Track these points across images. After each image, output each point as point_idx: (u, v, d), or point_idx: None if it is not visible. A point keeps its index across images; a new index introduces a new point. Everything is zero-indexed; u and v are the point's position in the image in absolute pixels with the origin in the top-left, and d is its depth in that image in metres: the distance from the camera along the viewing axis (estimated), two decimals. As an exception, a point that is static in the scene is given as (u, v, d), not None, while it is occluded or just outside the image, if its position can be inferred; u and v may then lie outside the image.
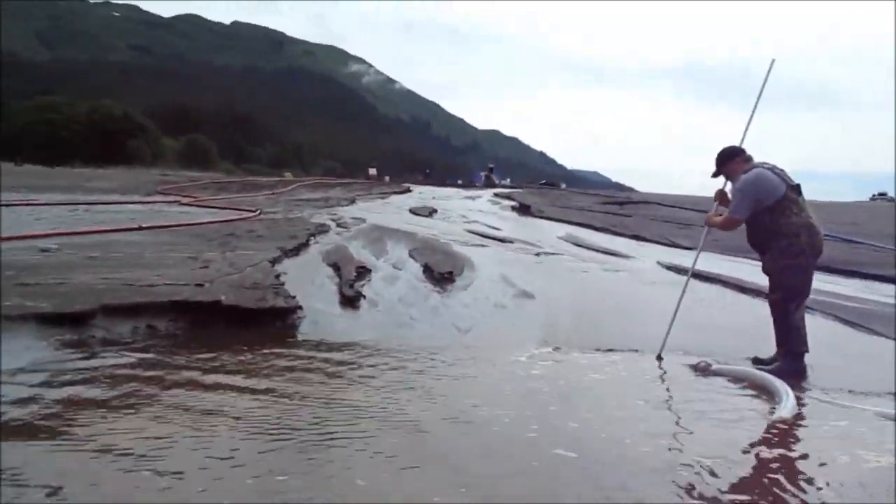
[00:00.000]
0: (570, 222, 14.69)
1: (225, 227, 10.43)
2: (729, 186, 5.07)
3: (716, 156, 5.04)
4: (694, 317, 5.78)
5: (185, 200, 16.05)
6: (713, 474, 2.77)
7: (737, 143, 5.01)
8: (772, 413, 3.60)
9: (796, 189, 4.71)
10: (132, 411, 3.36)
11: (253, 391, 3.77)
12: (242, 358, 4.52)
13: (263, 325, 5.35)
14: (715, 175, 5.08)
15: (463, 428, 3.25)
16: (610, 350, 5.02)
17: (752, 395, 4.07)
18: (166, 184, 24.85)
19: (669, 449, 3.11)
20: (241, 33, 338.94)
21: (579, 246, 10.77)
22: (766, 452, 3.08)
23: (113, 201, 15.26)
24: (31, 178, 25.44)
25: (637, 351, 5.04)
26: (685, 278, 7.65)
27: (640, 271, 8.35)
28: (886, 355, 5.22)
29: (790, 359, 4.58)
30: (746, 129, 5.10)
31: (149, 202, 15.67)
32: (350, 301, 6.14)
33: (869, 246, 12.43)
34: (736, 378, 4.35)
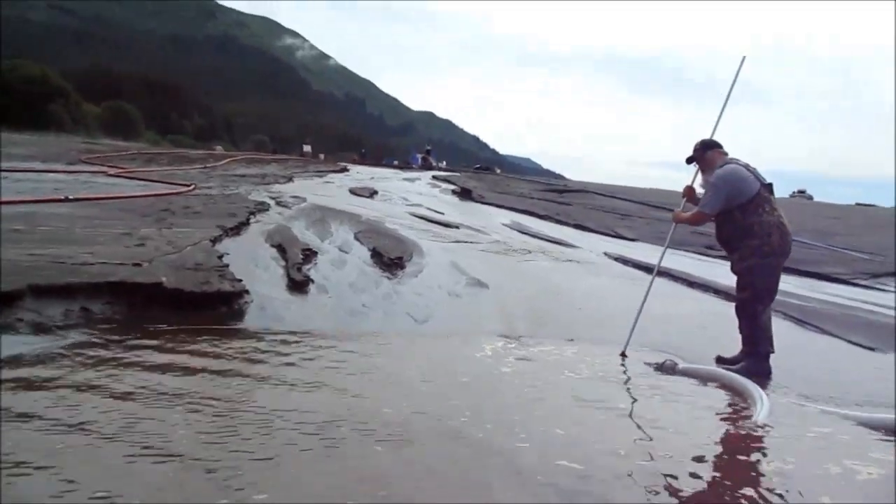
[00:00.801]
0: (513, 209, 14.65)
1: (158, 201, 9.90)
2: (699, 181, 5.02)
3: (695, 144, 4.97)
4: (653, 312, 5.74)
5: (112, 171, 15.25)
6: (695, 476, 2.68)
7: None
8: (746, 418, 3.53)
9: (769, 188, 4.68)
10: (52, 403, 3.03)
11: (192, 384, 3.49)
12: (184, 347, 4.21)
13: (207, 309, 5.02)
14: (689, 161, 5.01)
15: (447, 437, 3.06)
16: (570, 340, 4.92)
17: (722, 398, 4.02)
18: (91, 153, 23.63)
19: (648, 455, 3.00)
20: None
21: (525, 234, 10.70)
22: (747, 459, 3.01)
23: (34, 169, 14.35)
24: (-60, 141, 23.80)
25: (598, 343, 4.94)
26: (636, 271, 7.72)
27: (590, 262, 8.33)
28: (847, 359, 5.30)
29: (756, 359, 4.57)
30: (717, 123, 5.06)
31: (73, 171, 14.80)
32: (298, 286, 5.87)
33: (802, 243, 12.80)
34: (703, 379, 4.29)
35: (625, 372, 4.38)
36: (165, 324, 4.62)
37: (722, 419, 3.61)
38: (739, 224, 4.62)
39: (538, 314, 5.63)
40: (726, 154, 4.85)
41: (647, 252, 9.94)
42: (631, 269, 8.15)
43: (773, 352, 4.63)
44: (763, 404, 3.55)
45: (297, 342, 4.43)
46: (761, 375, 4.41)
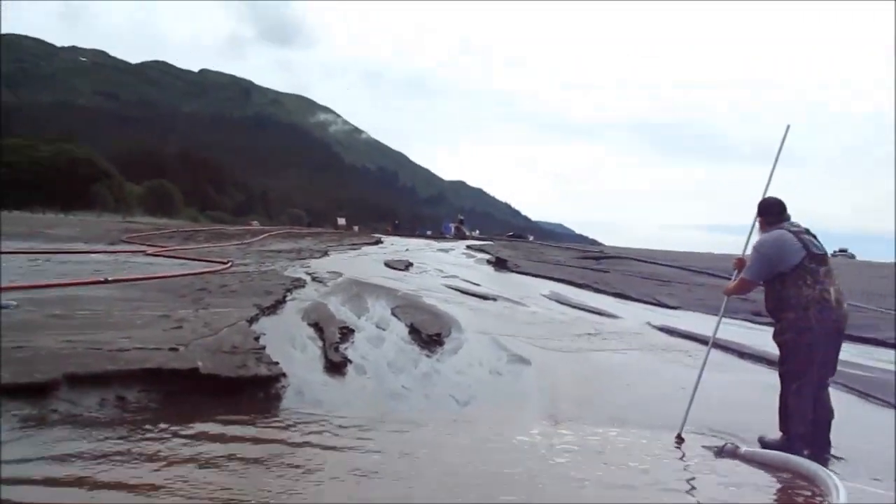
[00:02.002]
0: (550, 278, 14.45)
1: (196, 280, 9.94)
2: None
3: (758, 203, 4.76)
4: (705, 387, 5.46)
5: (150, 250, 15.47)
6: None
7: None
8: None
9: (818, 258, 4.36)
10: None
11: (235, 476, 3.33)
12: (223, 435, 4.07)
13: (244, 395, 4.90)
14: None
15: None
16: (621, 426, 4.66)
17: (791, 485, 3.72)
18: (131, 231, 24.15)
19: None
20: (210, 81, 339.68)
21: (564, 304, 10.48)
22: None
23: (76, 251, 14.62)
24: (-12, 224, 24.52)
25: (652, 428, 4.67)
26: (683, 341, 7.43)
27: (634, 334, 8.06)
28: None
29: (788, 441, 4.25)
30: (767, 186, 4.85)
31: (113, 251, 15.05)
32: (336, 367, 5.72)
33: (853, 307, 12.35)
34: (768, 464, 3.99)
35: (682, 458, 4.11)
36: (201, 411, 4.49)
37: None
38: (778, 294, 4.37)
39: (584, 393, 5.38)
40: (781, 220, 4.58)
41: (691, 321, 9.64)
42: (677, 340, 7.87)
43: (808, 431, 4.28)
44: (839, 491, 3.25)
45: (336, 430, 4.26)
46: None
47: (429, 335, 7.04)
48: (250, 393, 4.93)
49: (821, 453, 4.30)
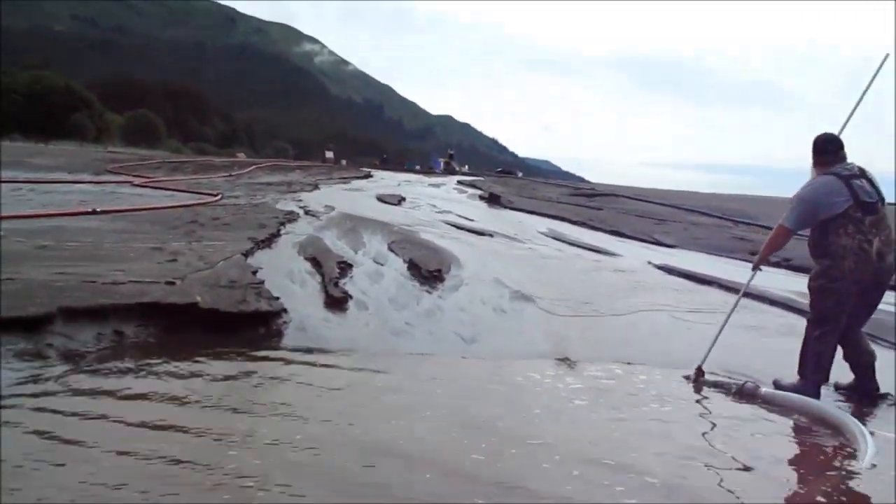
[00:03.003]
0: (544, 214, 14.31)
1: (186, 212, 9.70)
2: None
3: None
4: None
5: (138, 181, 15.12)
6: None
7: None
8: (849, 457, 3.17)
9: (866, 206, 4.11)
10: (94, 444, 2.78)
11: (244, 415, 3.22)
12: (224, 371, 3.96)
13: (245, 330, 4.77)
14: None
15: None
16: (628, 364, 4.58)
17: (814, 432, 3.65)
18: (116, 162, 23.63)
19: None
20: (192, 8, 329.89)
21: (561, 241, 10.37)
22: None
23: (60, 180, 14.26)
24: (-33, 152, 23.90)
25: (661, 366, 4.60)
26: (684, 281, 7.36)
27: (634, 271, 7.98)
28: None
29: (802, 385, 4.19)
30: (846, 123, 4.55)
31: (99, 182, 14.69)
32: (337, 302, 5.59)
33: None
34: (789, 408, 3.91)
35: (701, 401, 4.03)
36: (202, 347, 4.36)
37: (823, 460, 3.24)
38: (818, 240, 4.23)
39: (589, 332, 5.30)
40: (834, 161, 4.29)
41: (690, 259, 9.58)
42: (678, 279, 7.79)
43: (825, 381, 4.23)
44: (868, 444, 3.16)
45: (343, 366, 4.16)
46: None
47: (429, 271, 6.90)
48: (251, 328, 4.81)
49: (866, 397, 4.26)
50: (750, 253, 10.27)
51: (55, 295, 4.49)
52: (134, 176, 16.98)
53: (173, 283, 5.13)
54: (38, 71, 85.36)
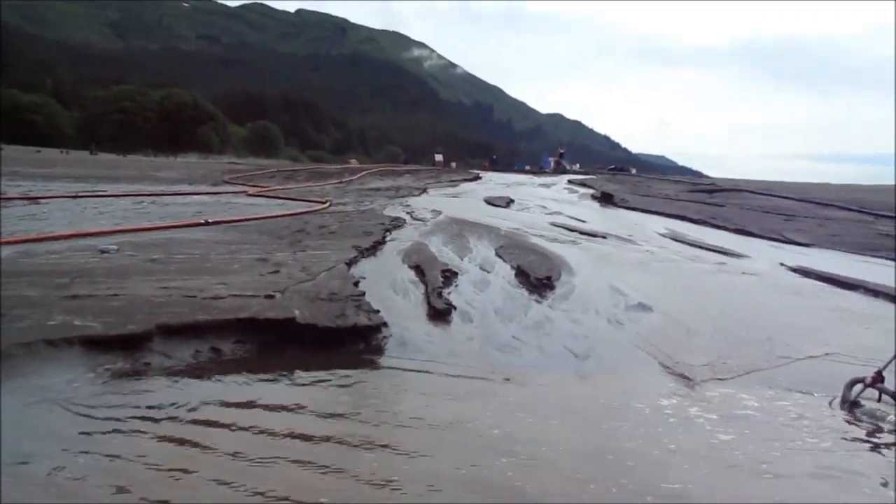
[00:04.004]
0: (662, 213, 13.54)
1: (295, 220, 9.74)
2: None
3: None
4: (863, 343, 4.72)
5: (251, 191, 15.52)
6: None
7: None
8: None
9: None
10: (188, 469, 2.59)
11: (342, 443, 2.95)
12: (319, 393, 3.74)
13: (343, 346, 4.55)
14: None
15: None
16: (770, 388, 3.99)
17: None
18: (234, 172, 24.55)
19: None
20: (307, 21, 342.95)
21: (680, 242, 9.68)
22: None
23: (179, 192, 14.83)
24: (102, 169, 25.54)
25: (806, 392, 3.98)
26: (824, 284, 6.59)
27: (765, 275, 7.25)
28: None
29: None
30: None
31: (215, 193, 15.18)
32: (440, 314, 5.30)
33: None
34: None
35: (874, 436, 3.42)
36: (297, 364, 4.16)
37: None
38: None
39: (719, 347, 4.73)
40: None
41: (828, 260, 8.68)
42: (816, 283, 7.01)
43: None
44: None
45: (442, 388, 3.84)
46: None
47: (538, 278, 6.50)
48: (350, 344, 4.58)
49: None
50: (897, 251, 9.24)
51: (156, 311, 4.43)
52: (249, 185, 17.47)
53: (273, 297, 5.00)
54: (168, 88, 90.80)
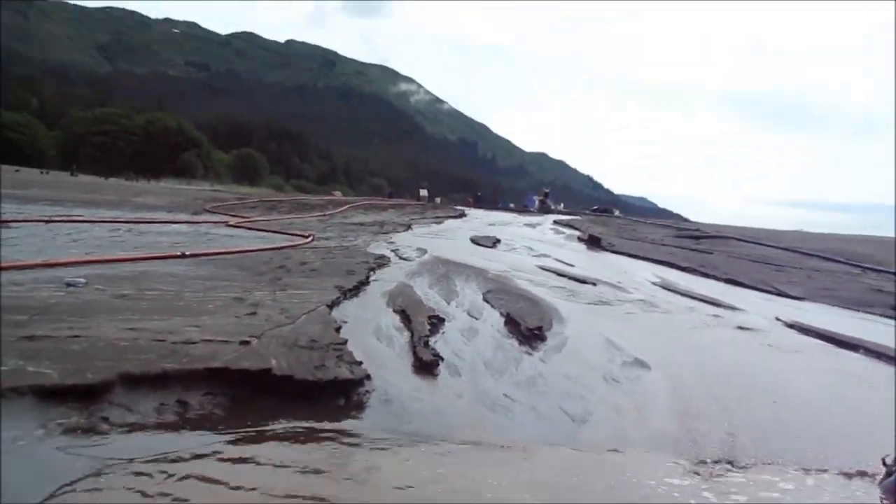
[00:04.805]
0: (649, 259, 13.33)
1: (275, 256, 9.40)
2: None
3: None
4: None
5: (233, 221, 15.16)
6: None
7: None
8: None
9: None
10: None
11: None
12: (291, 457, 3.38)
13: (322, 400, 4.20)
14: None
15: None
16: (785, 464, 3.68)
17: None
18: (216, 200, 24.16)
19: None
20: (296, 52, 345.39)
21: (672, 291, 9.44)
22: None
23: (158, 220, 14.43)
24: (80, 192, 25.04)
25: (823, 468, 3.68)
26: (824, 343, 6.37)
27: (762, 331, 7.00)
28: None
29: None
30: None
31: (195, 222, 14.80)
32: (426, 367, 4.97)
33: None
34: None
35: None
36: (271, 421, 3.81)
37: None
38: None
39: (724, 413, 4.43)
40: None
41: (823, 315, 8.47)
42: (815, 341, 6.77)
43: None
44: None
45: (427, 457, 3.50)
46: None
47: (528, 328, 6.21)
48: (329, 398, 4.22)
49: None
50: (892, 307, 9.06)
51: (119, 357, 4.07)
52: (230, 216, 17.11)
53: (248, 343, 4.66)
54: (153, 113, 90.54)
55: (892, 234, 30.79)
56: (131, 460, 3.16)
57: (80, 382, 3.68)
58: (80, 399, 3.62)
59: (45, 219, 12.20)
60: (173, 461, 3.21)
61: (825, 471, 3.55)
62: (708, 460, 3.60)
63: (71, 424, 3.45)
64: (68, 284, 6.10)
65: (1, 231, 9.51)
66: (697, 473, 3.37)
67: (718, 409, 4.46)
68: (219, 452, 3.36)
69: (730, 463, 3.57)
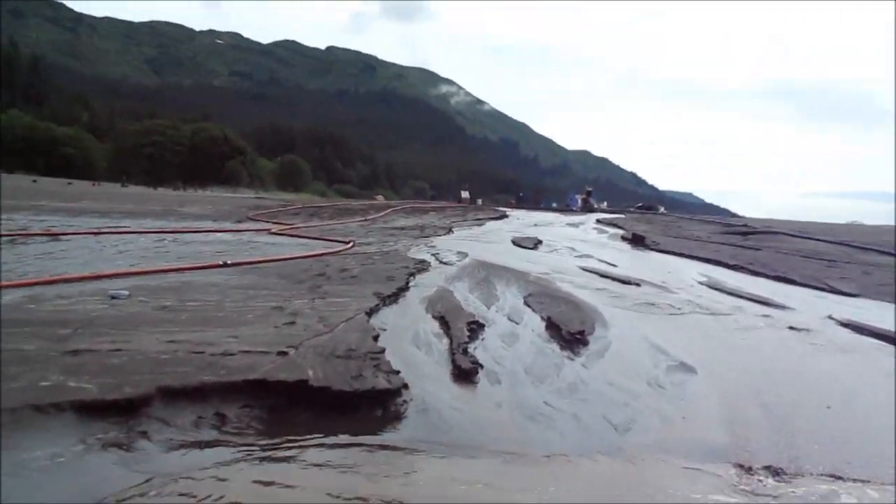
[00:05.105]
0: (695, 257, 13.03)
1: (315, 263, 9.44)
2: None
3: None
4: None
5: (275, 229, 15.30)
6: None
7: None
8: None
9: None
10: None
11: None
12: (327, 470, 3.34)
13: (359, 411, 4.15)
14: None
15: None
16: (847, 478, 3.49)
17: None
18: (259, 208, 24.46)
19: None
20: (336, 58, 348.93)
21: (719, 290, 9.18)
22: None
23: (202, 229, 14.65)
24: (129, 203, 25.61)
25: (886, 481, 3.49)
26: (880, 342, 6.12)
27: (815, 331, 6.74)
28: None
29: None
30: None
31: (239, 230, 14.99)
32: (465, 375, 4.89)
33: None
34: None
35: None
36: (307, 434, 3.78)
37: None
38: None
39: (777, 420, 4.24)
40: None
41: (879, 313, 8.14)
42: (872, 341, 6.49)
43: None
44: None
45: (464, 472, 3.42)
46: None
47: (570, 332, 6.08)
48: (366, 409, 4.18)
49: None
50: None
51: (158, 370, 4.10)
52: (273, 223, 17.29)
53: (286, 353, 4.65)
54: (199, 123, 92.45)
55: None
56: (170, 475, 3.15)
57: (119, 397, 3.70)
58: (119, 413, 3.64)
59: (94, 231, 12.47)
60: (211, 476, 3.20)
61: (889, 484, 3.36)
62: (758, 472, 3.44)
63: (110, 440, 3.47)
64: (112, 297, 6.19)
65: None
66: (747, 488, 3.22)
67: (769, 415, 4.28)
68: (255, 466, 3.34)
69: (782, 474, 3.40)
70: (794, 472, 3.45)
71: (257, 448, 3.58)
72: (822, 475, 3.41)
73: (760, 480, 3.33)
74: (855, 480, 3.37)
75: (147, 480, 3.10)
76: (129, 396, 3.73)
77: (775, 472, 3.45)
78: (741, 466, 3.50)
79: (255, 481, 3.14)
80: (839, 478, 3.40)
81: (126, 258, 9.22)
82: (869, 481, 3.36)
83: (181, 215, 19.56)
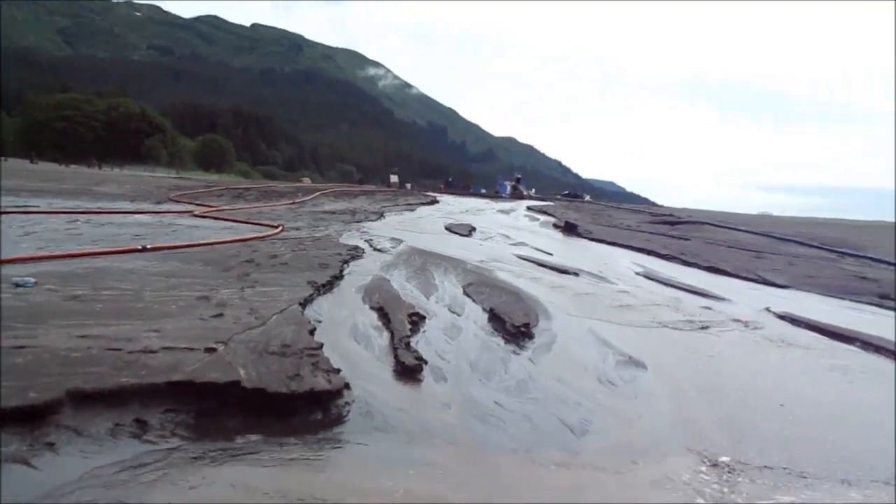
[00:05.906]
0: (628, 247, 13.09)
1: (243, 248, 8.94)
2: None
3: None
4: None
5: (198, 211, 14.58)
6: None
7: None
8: None
9: None
10: None
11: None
12: (260, 483, 3.01)
13: (297, 414, 3.81)
14: None
15: None
16: (808, 477, 3.38)
17: None
18: (181, 188, 23.43)
19: None
20: (262, 35, 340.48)
21: (656, 281, 9.18)
22: None
23: (119, 210, 13.82)
24: (38, 180, 24.14)
25: (848, 481, 3.40)
26: (818, 336, 6.16)
27: (756, 324, 6.74)
28: None
29: None
30: None
31: (158, 212, 14.20)
32: (409, 372, 4.61)
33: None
34: None
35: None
36: (238, 443, 3.42)
37: None
38: None
39: (729, 418, 4.13)
40: None
41: (811, 305, 8.27)
42: (811, 334, 6.54)
43: None
44: None
45: (421, 479, 3.14)
46: None
47: (514, 325, 5.88)
48: (305, 412, 3.84)
49: None
50: (878, 296, 8.91)
51: (69, 371, 3.65)
52: (195, 205, 16.51)
53: (214, 350, 4.25)
54: (116, 98, 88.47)
55: (861, 217, 31.08)
56: (81, 494, 2.76)
57: (22, 403, 3.25)
58: (22, 422, 3.20)
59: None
60: (129, 492, 2.82)
61: (850, 484, 3.27)
62: (721, 467, 3.30)
63: (10, 454, 3.03)
64: (16, 285, 5.61)
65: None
66: (724, 485, 3.06)
67: (718, 411, 4.18)
68: (180, 481, 2.97)
69: (740, 471, 3.27)
70: (769, 474, 3.31)
71: (182, 459, 3.20)
72: (791, 475, 3.29)
73: (724, 475, 3.19)
74: (818, 477, 3.26)
75: (44, 497, 2.71)
76: (35, 402, 3.29)
77: (735, 468, 3.31)
78: (709, 462, 3.35)
79: (168, 499, 2.79)
80: (803, 476, 3.28)
81: (33, 241, 8.50)
82: (834, 481, 3.25)
83: (96, 195, 18.47)
